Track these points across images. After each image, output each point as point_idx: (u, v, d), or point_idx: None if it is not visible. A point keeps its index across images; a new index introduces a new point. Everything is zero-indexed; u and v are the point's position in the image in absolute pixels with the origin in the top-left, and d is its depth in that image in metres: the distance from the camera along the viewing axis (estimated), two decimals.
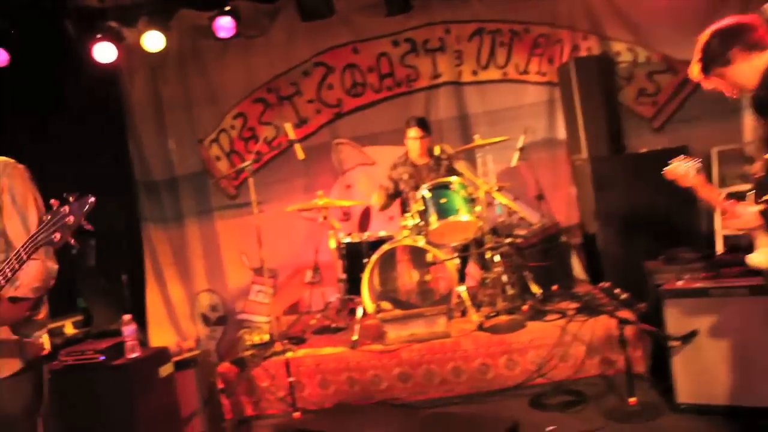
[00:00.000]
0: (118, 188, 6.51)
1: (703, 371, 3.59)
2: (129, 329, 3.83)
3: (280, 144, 6.41)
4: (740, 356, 3.44)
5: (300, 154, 5.07)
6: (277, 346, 4.79)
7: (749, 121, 6.04)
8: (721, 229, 5.66)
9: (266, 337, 5.02)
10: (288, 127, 5.12)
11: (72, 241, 2.05)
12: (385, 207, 5.64)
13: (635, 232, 5.50)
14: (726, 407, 3.51)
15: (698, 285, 3.61)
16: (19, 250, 2.12)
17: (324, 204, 5.26)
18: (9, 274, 2.15)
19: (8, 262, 2.14)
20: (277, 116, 6.48)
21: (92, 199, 2.06)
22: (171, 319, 6.52)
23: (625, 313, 4.50)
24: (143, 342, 4.80)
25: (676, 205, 5.46)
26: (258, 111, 6.58)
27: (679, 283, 3.71)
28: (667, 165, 5.45)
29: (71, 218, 2.03)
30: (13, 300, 2.30)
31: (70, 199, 2.06)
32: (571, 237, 6.25)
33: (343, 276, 5.25)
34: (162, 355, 3.99)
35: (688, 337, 3.55)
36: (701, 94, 6.08)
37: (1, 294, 2.22)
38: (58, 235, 2.04)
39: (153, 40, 5.84)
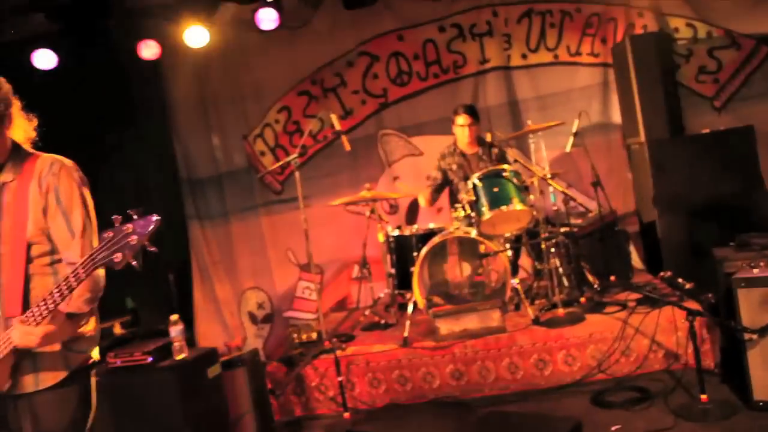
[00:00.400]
0: (164, 187, 6.51)
1: None
2: (176, 329, 3.77)
3: (326, 137, 6.29)
4: None
5: (347, 145, 4.94)
6: (326, 344, 4.68)
7: None
8: None
9: (314, 335, 4.92)
10: (334, 117, 5.00)
11: (134, 263, 1.94)
12: (432, 203, 5.47)
13: (697, 218, 5.22)
14: None
15: None
16: (77, 269, 2.00)
17: (372, 196, 5.12)
18: (66, 293, 2.05)
19: (66, 281, 2.03)
20: (322, 108, 6.36)
21: (157, 218, 1.93)
22: (218, 318, 6.48)
23: (692, 304, 4.28)
24: (191, 342, 4.76)
25: (740, 189, 5.18)
26: (302, 104, 6.48)
27: (755, 271, 3.44)
28: (731, 145, 5.21)
29: (134, 238, 1.91)
30: (70, 316, 2.21)
31: (134, 216, 1.94)
32: (627, 225, 6.00)
33: (392, 270, 5.11)
34: (210, 355, 3.91)
35: (766, 329, 3.29)
36: (766, 70, 5.78)
37: (59, 310, 2.12)
38: (119, 256, 1.92)
39: (196, 36, 5.77)
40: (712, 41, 5.85)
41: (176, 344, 3.75)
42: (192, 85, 6.54)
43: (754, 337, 3.30)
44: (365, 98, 6.38)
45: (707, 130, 5.41)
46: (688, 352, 4.14)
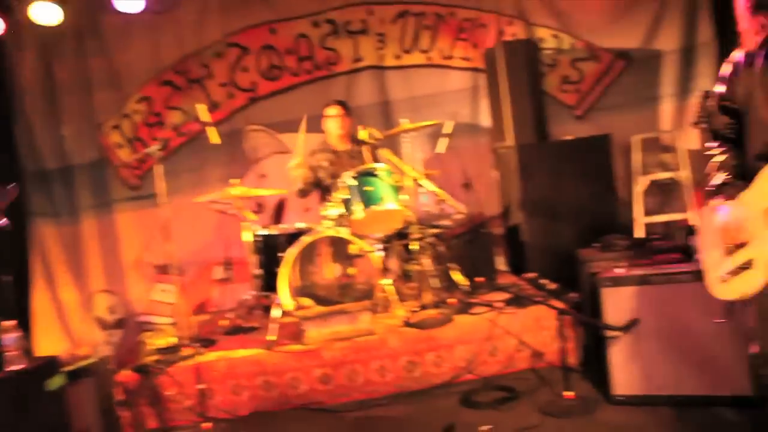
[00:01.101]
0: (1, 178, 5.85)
1: (641, 361, 3.43)
2: (11, 338, 3.34)
3: (190, 130, 5.94)
4: (680, 344, 3.30)
5: (214, 137, 4.64)
6: (185, 350, 4.35)
7: (667, 110, 6.06)
8: (641, 218, 5.64)
9: (172, 341, 4.56)
10: (202, 108, 4.69)
11: None
12: (305, 193, 5.25)
13: (560, 222, 5.40)
14: (665, 397, 3.36)
15: (639, 272, 3.44)
16: None
17: (239, 194, 4.84)
18: None
19: None
20: (187, 101, 6.00)
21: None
22: (62, 324, 5.90)
23: (558, 304, 4.36)
24: (28, 351, 4.25)
25: (596, 194, 5.41)
26: (165, 95, 6.08)
27: (618, 271, 3.53)
28: (590, 152, 5.42)
29: None
30: None
31: None
32: (491, 227, 6.09)
33: (258, 272, 4.86)
34: (50, 365, 3.49)
35: (629, 327, 3.38)
36: (622, 83, 6.10)
37: None
38: None
39: (45, 13, 5.23)
40: (575, 53, 6.11)
41: (10, 354, 3.32)
42: (40, 68, 5.95)
43: (619, 334, 3.37)
44: (233, 92, 6.09)
45: (570, 137, 5.62)
46: (551, 350, 4.22)
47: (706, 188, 2.66)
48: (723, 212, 2.55)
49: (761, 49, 2.47)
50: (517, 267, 5.73)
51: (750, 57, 2.54)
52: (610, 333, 3.42)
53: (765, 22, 2.40)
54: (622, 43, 6.04)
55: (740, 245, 2.50)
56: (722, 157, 2.64)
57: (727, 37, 5.73)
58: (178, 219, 5.48)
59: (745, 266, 2.48)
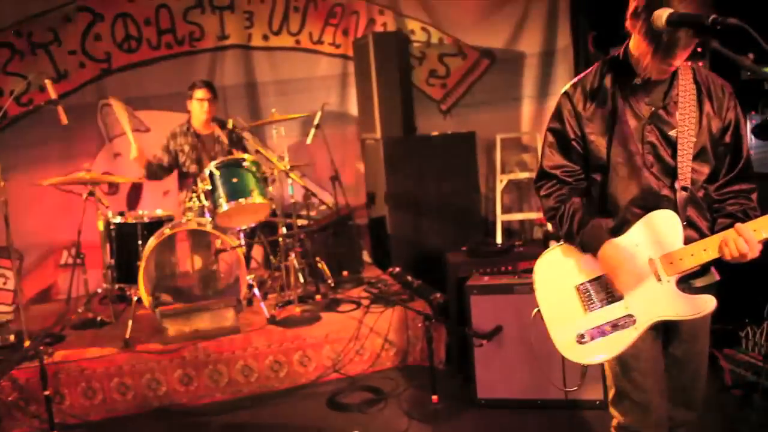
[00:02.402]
0: None
1: (503, 366, 3.60)
2: None
3: (32, 100, 5.39)
4: (540, 351, 3.47)
5: (63, 118, 4.21)
6: (28, 349, 3.98)
7: (527, 111, 6.34)
8: (500, 216, 5.90)
9: (11, 338, 4.17)
10: (48, 84, 4.23)
11: None
12: (145, 174, 4.91)
13: (424, 216, 5.50)
14: (528, 401, 3.56)
15: (504, 281, 3.59)
16: None
17: (90, 178, 4.47)
18: None
19: None
20: (30, 67, 5.39)
21: None
22: None
23: (422, 305, 4.46)
24: None
25: (460, 190, 5.57)
26: (3, 58, 5.44)
27: (486, 279, 3.67)
28: (455, 149, 5.56)
29: None
30: None
31: None
32: (357, 218, 6.11)
33: (112, 261, 4.55)
34: None
35: (493, 334, 3.52)
36: (486, 81, 6.29)
37: None
38: None
39: None
40: (443, 48, 6.20)
41: None
42: None
43: (484, 342, 3.50)
44: (84, 61, 5.57)
45: (436, 132, 5.72)
46: (417, 349, 4.33)
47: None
48: (615, 252, 2.09)
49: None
50: (381, 260, 5.80)
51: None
52: (477, 341, 3.55)
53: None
54: (488, 42, 6.20)
55: (611, 299, 2.12)
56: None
57: (581, 45, 6.10)
58: (18, 198, 5.00)
59: (621, 323, 2.09)
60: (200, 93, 4.83)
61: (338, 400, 3.89)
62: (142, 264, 4.20)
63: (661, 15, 1.86)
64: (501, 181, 5.95)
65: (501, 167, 5.98)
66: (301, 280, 4.83)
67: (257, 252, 5.59)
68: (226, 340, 4.13)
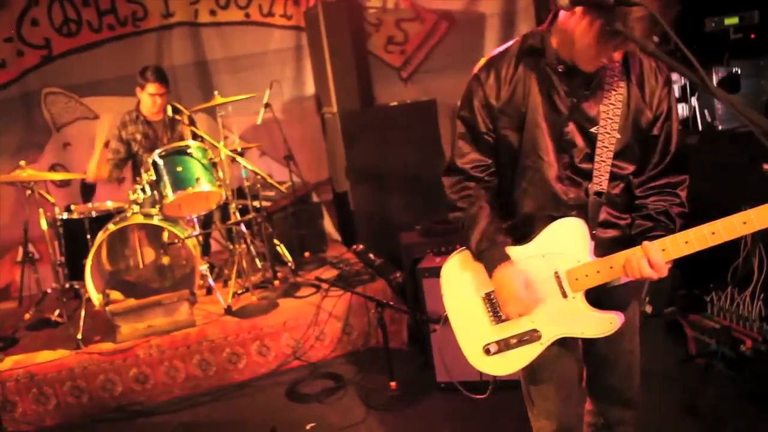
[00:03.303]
0: None
1: (459, 348, 3.49)
2: None
3: None
4: None
5: None
6: None
7: None
8: None
9: None
10: None
11: None
12: (111, 178, 4.74)
13: (388, 190, 5.35)
14: (486, 383, 3.44)
15: None
16: None
17: (28, 177, 4.29)
18: None
19: None
20: None
21: None
22: None
23: (381, 284, 4.36)
24: None
25: (424, 160, 5.40)
26: None
27: (438, 260, 3.54)
28: (415, 118, 5.38)
29: None
30: None
31: None
32: (322, 194, 5.97)
33: (62, 259, 4.40)
34: None
35: (447, 318, 3.40)
36: (446, 45, 6.07)
37: None
38: None
39: None
40: (399, 12, 5.97)
41: None
42: None
43: (438, 327, 3.39)
44: (22, 48, 5.33)
45: (395, 103, 5.53)
46: (379, 332, 4.21)
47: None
48: (511, 276, 1.92)
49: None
50: (347, 236, 5.67)
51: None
52: (431, 326, 3.44)
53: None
54: (446, 4, 5.97)
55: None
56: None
57: (542, 3, 5.87)
58: None
59: (526, 338, 1.97)
60: (152, 87, 4.58)
61: (297, 390, 3.80)
62: (89, 262, 4.05)
63: None
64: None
65: None
66: (259, 265, 4.69)
67: (214, 241, 5.45)
68: (181, 335, 4.02)
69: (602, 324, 1.92)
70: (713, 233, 1.73)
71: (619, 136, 1.85)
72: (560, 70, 1.84)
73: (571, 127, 1.88)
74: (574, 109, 1.87)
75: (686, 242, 1.76)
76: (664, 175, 1.91)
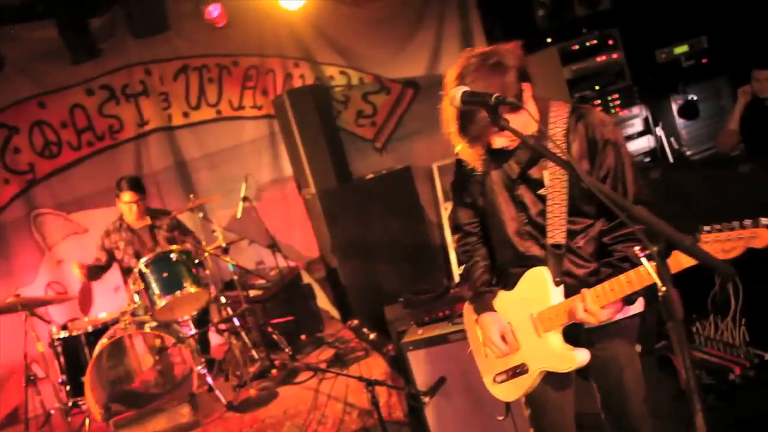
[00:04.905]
0: None
1: (456, 415, 3.52)
2: None
3: None
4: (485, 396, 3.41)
5: None
6: None
7: None
8: (451, 243, 5.82)
9: None
10: None
11: None
12: (90, 278, 4.85)
13: (376, 261, 5.45)
14: None
15: (437, 332, 3.52)
16: None
17: (19, 302, 4.40)
18: None
19: None
20: None
21: None
22: None
23: (376, 359, 4.41)
24: None
25: (406, 226, 5.52)
26: None
27: (420, 332, 3.60)
28: (393, 186, 5.51)
29: None
30: None
31: None
32: (314, 272, 6.05)
33: (63, 377, 4.48)
34: None
35: (436, 388, 3.43)
36: (414, 110, 6.24)
37: None
38: None
39: None
40: (365, 87, 6.17)
41: None
42: None
43: (427, 399, 3.42)
44: (8, 177, 5.51)
45: (371, 175, 5.67)
46: (381, 405, 4.22)
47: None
48: (489, 323, 2.30)
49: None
50: (344, 310, 5.73)
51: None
52: (421, 398, 3.47)
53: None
54: (409, 72, 6.17)
55: (513, 347, 2.28)
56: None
57: None
58: None
59: (519, 371, 2.29)
60: (126, 196, 4.75)
61: None
62: (87, 378, 4.12)
63: (455, 94, 1.85)
64: (446, 209, 5.89)
65: (444, 195, 5.93)
66: (256, 356, 4.75)
67: (211, 339, 5.50)
68: None
69: (565, 360, 2.16)
70: (629, 282, 1.95)
71: (566, 195, 2.07)
72: None
73: (521, 190, 2.16)
74: (523, 175, 2.15)
75: (612, 289, 1.99)
76: (624, 224, 2.06)
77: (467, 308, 2.49)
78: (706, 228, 1.74)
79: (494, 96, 1.76)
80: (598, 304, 2.00)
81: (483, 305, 2.34)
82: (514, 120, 1.92)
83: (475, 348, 2.49)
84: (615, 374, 2.27)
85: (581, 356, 2.15)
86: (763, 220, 1.66)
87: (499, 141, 2.08)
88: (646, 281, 1.89)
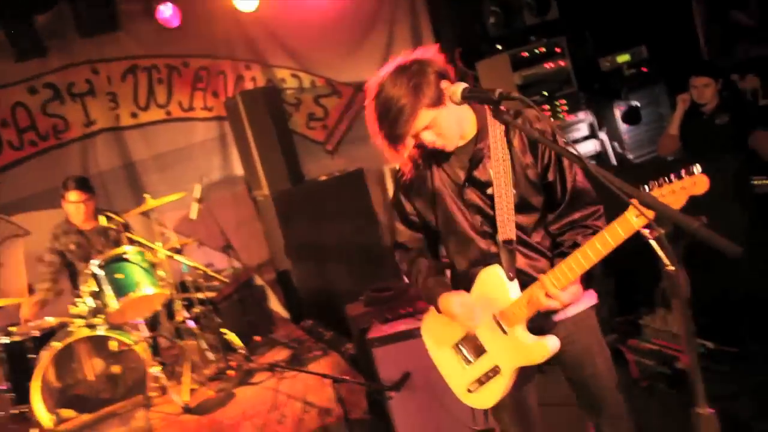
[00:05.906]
0: None
1: (420, 411, 3.56)
2: None
3: None
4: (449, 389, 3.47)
5: None
6: None
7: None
8: None
9: None
10: None
11: None
12: (55, 294, 4.70)
13: (329, 262, 5.46)
14: None
15: (402, 328, 3.56)
16: None
17: None
18: None
19: None
20: None
21: None
22: None
23: (335, 358, 4.42)
24: None
25: (359, 228, 5.55)
26: None
27: (384, 328, 3.64)
28: (346, 188, 5.54)
29: None
30: None
31: None
32: (264, 274, 6.02)
33: (7, 385, 4.31)
34: None
35: (401, 383, 3.48)
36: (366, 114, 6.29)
37: None
38: None
39: None
40: (316, 90, 6.21)
41: None
42: None
43: (393, 394, 3.46)
44: None
45: (324, 177, 5.69)
46: (338, 406, 4.24)
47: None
48: (449, 303, 2.24)
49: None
50: (295, 313, 5.72)
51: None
52: (386, 393, 3.51)
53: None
54: (360, 75, 6.20)
55: (480, 352, 2.27)
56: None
57: (449, 62, 6.18)
58: None
59: (492, 374, 2.26)
60: (73, 195, 4.58)
61: None
62: (34, 385, 3.98)
63: (455, 90, 1.91)
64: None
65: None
66: (212, 358, 4.69)
67: (164, 341, 5.41)
68: None
69: (537, 350, 2.14)
70: (585, 257, 1.95)
71: (514, 191, 2.10)
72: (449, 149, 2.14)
73: (469, 193, 2.17)
74: (469, 177, 2.16)
75: (570, 268, 1.99)
76: (572, 210, 2.14)
77: (426, 324, 2.49)
78: (654, 184, 1.75)
79: (497, 91, 1.81)
80: (558, 287, 2.00)
81: (436, 293, 2.28)
82: (450, 115, 2.05)
83: (440, 362, 2.44)
84: (589, 364, 2.27)
85: (552, 343, 2.12)
86: (697, 167, 1.69)
87: (427, 136, 2.07)
88: (603, 253, 1.90)
